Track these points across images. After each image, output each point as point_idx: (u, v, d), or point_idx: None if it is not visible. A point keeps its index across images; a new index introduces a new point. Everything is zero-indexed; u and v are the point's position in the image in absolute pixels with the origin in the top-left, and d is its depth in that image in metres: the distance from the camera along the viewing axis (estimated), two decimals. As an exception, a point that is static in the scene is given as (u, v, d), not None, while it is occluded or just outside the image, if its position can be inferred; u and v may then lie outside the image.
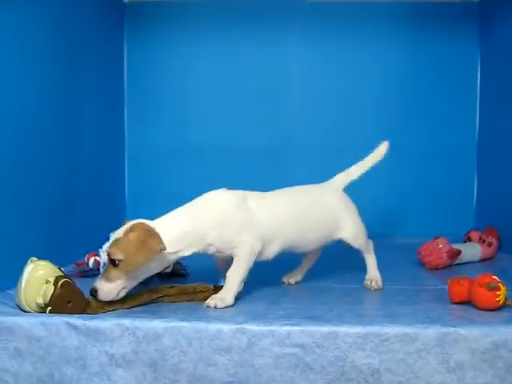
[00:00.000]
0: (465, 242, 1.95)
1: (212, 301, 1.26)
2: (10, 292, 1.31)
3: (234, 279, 1.30)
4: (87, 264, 1.53)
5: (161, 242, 1.22)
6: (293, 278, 1.54)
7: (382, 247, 2.06)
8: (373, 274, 1.50)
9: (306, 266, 1.57)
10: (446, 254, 1.71)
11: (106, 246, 1.27)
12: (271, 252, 1.38)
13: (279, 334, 1.10)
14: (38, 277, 1.20)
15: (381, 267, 1.72)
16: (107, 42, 2.13)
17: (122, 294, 1.25)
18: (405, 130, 2.27)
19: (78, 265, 1.57)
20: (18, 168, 1.43)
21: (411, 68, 2.26)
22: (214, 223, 1.30)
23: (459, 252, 1.74)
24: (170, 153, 2.29)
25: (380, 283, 1.47)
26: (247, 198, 1.37)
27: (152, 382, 1.12)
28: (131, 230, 1.23)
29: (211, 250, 1.33)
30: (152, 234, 1.22)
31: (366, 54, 2.25)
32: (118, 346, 1.12)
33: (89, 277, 1.53)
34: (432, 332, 1.09)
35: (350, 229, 1.47)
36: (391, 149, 2.27)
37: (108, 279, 1.22)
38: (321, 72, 2.27)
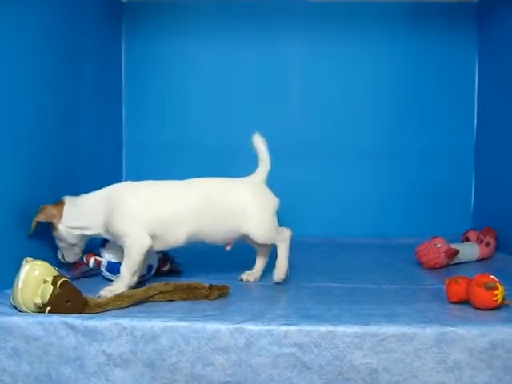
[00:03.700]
0: (463, 241, 1.94)
1: (103, 292, 1.31)
2: (7, 292, 1.30)
3: (124, 271, 1.37)
4: (87, 264, 1.52)
5: (56, 212, 1.42)
6: (251, 276, 1.54)
7: (380, 247, 2.08)
8: (280, 265, 1.49)
9: (260, 263, 1.56)
10: (443, 254, 1.71)
11: None
12: (177, 239, 1.41)
13: (277, 334, 1.10)
14: (35, 277, 1.20)
15: (378, 267, 1.73)
16: (105, 41, 2.13)
17: (69, 258, 1.49)
18: (403, 130, 2.27)
19: (77, 265, 1.55)
20: (14, 166, 1.42)
21: (409, 68, 2.26)
22: (104, 211, 1.40)
23: (457, 252, 1.74)
24: (168, 151, 2.28)
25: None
26: (146, 188, 1.43)
27: (150, 381, 1.11)
28: None
29: (110, 238, 1.43)
30: (54, 205, 1.43)
31: (365, 53, 2.25)
32: (116, 346, 1.11)
33: (89, 277, 1.52)
34: (430, 331, 1.09)
35: (254, 224, 1.46)
36: (389, 149, 2.30)
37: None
38: (320, 72, 2.27)
